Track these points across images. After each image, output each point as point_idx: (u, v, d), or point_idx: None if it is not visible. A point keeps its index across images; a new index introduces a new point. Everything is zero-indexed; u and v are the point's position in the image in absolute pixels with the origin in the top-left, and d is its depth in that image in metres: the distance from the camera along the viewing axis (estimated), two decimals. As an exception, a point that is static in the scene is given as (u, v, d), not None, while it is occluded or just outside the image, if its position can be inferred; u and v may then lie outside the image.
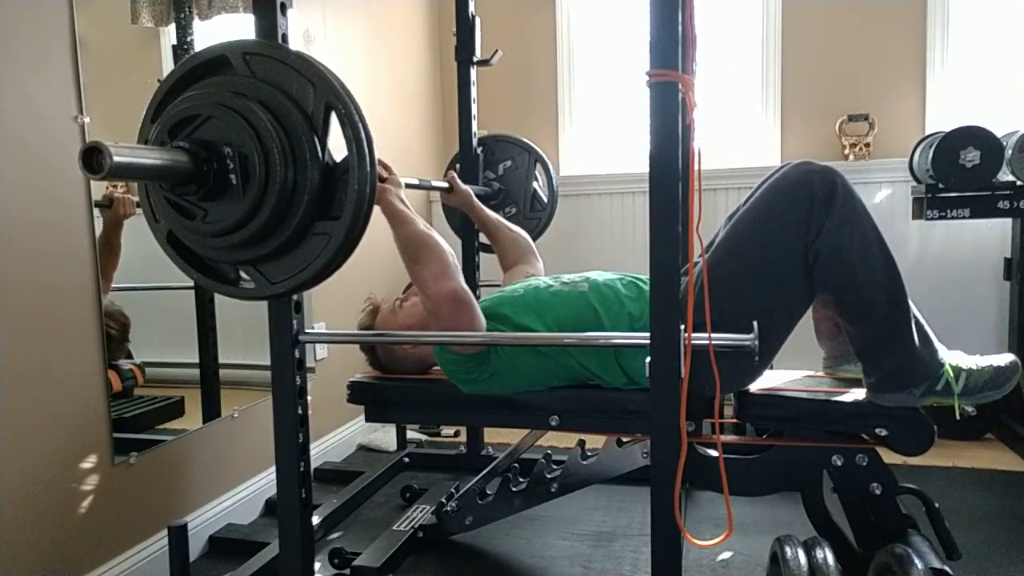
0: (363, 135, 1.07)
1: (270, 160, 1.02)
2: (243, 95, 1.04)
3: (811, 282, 1.38)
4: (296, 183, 1.05)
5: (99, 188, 1.63)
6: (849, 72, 3.00)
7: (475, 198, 2.08)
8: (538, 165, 2.45)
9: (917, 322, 1.38)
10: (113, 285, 1.68)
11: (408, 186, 2.04)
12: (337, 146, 1.10)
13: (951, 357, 1.38)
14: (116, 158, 0.87)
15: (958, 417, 1.34)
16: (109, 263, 1.69)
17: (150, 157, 0.97)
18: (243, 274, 1.19)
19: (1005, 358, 1.38)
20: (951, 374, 1.34)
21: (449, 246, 1.47)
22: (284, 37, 1.24)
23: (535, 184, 2.46)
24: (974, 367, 1.36)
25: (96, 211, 1.60)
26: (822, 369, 1.64)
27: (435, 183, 2.13)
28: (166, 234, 1.15)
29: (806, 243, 1.35)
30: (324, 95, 1.06)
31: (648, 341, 1.14)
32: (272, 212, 1.03)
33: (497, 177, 2.46)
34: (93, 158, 0.86)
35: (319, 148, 1.06)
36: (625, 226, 3.19)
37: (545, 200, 2.47)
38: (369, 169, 1.08)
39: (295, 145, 1.04)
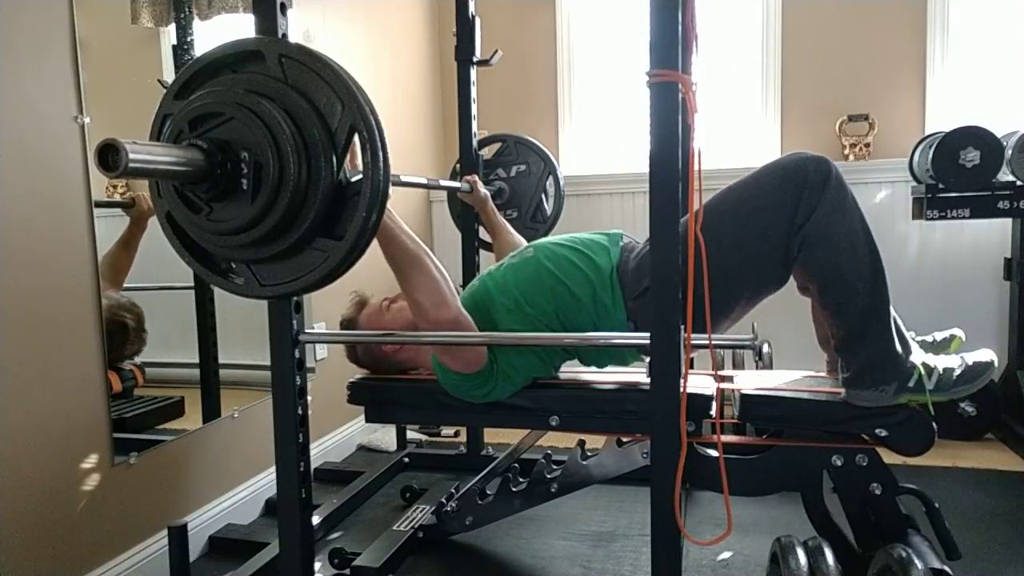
0: (381, 163, 1.05)
1: (284, 173, 1.01)
2: (270, 99, 1.03)
3: (786, 264, 1.39)
4: (306, 198, 1.04)
5: (99, 188, 1.63)
6: (849, 72, 3.00)
7: (491, 201, 2.22)
8: (551, 178, 2.45)
9: (895, 321, 1.38)
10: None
11: (418, 185, 2.08)
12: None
13: (922, 357, 1.40)
14: (132, 155, 0.86)
15: (931, 413, 1.35)
16: (124, 262, 1.69)
17: (166, 155, 0.96)
18: (235, 267, 1.17)
19: (980, 354, 1.40)
20: (923, 371, 1.36)
21: (439, 262, 1.44)
22: (284, 37, 1.24)
23: (542, 195, 2.46)
24: (945, 366, 1.38)
25: (97, 211, 1.60)
26: (826, 372, 1.64)
27: (446, 183, 2.28)
28: (165, 213, 1.13)
29: (792, 224, 1.35)
30: (351, 116, 1.03)
31: (648, 341, 1.14)
32: (277, 223, 1.03)
33: (507, 178, 2.46)
34: (108, 155, 0.85)
35: (335, 167, 1.05)
36: (625, 226, 3.16)
37: (548, 213, 2.47)
38: (381, 197, 1.06)
39: (312, 160, 1.03)
